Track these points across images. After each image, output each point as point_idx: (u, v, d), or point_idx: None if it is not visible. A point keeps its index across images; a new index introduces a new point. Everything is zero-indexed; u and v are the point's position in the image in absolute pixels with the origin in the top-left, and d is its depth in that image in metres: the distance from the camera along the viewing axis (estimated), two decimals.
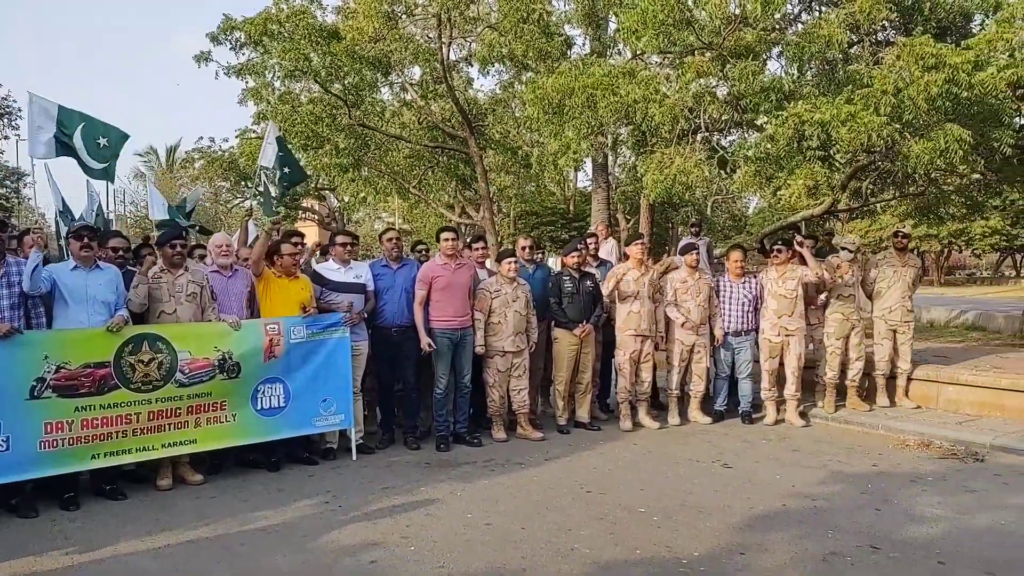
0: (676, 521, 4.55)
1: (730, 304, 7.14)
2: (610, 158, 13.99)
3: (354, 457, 6.03)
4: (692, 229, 9.36)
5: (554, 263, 10.92)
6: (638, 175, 9.30)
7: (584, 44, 12.32)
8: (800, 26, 9.72)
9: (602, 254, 8.29)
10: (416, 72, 14.46)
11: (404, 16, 12.84)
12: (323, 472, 5.73)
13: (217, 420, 5.40)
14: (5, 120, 23.55)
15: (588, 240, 7.63)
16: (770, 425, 7.04)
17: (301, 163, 17.62)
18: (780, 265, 7.04)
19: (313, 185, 24.78)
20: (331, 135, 12.84)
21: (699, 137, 8.79)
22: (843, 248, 7.21)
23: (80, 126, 6.66)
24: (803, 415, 7.16)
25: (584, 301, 6.84)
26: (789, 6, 8.81)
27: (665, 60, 9.57)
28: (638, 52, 9.06)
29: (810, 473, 5.55)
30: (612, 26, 11.59)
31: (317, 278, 6.22)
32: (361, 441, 6.21)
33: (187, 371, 5.21)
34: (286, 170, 6.92)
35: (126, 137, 7.11)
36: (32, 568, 3.93)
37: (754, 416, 7.23)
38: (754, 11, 7.29)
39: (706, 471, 5.64)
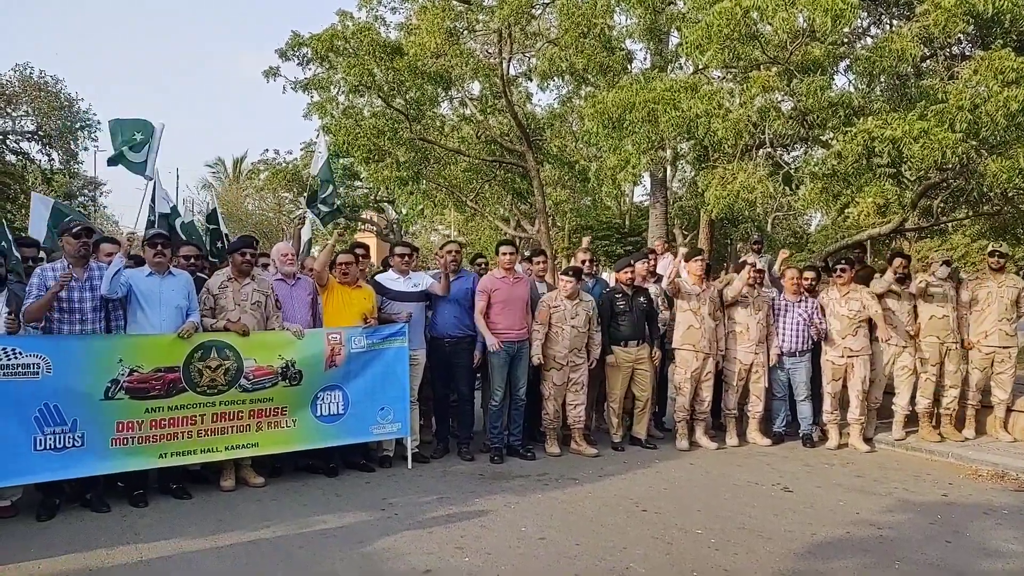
0: (734, 544, 4.45)
1: (785, 323, 6.96)
2: (669, 173, 13.86)
3: (409, 466, 6.09)
4: (754, 246, 9.18)
5: (607, 277, 10.86)
6: (699, 190, 9.17)
7: (645, 58, 12.28)
8: (869, 40, 9.50)
9: (660, 270, 8.20)
10: (475, 87, 14.65)
11: (465, 32, 13.02)
12: (379, 479, 5.80)
13: (278, 425, 5.53)
14: (85, 132, 24.66)
15: (649, 255, 7.56)
16: (832, 449, 6.83)
17: (362, 176, 18.07)
18: (843, 285, 6.84)
19: (372, 197, 25.31)
20: (392, 148, 13.09)
21: (761, 152, 8.65)
22: (937, 263, 6.91)
23: (121, 130, 6.90)
24: (867, 440, 6.92)
25: (638, 318, 6.77)
26: (858, 19, 8.59)
27: (728, 74, 9.45)
28: (701, 67, 8.96)
29: (875, 500, 5.35)
30: (674, 40, 11.55)
31: (377, 288, 6.33)
32: (416, 450, 6.27)
33: (251, 377, 5.36)
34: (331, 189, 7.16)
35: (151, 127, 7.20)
36: (104, 562, 4.08)
37: (816, 439, 7.03)
38: (823, 25, 7.13)
39: (765, 494, 5.50)
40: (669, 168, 13.22)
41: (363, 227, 28.67)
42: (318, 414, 5.69)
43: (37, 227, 6.84)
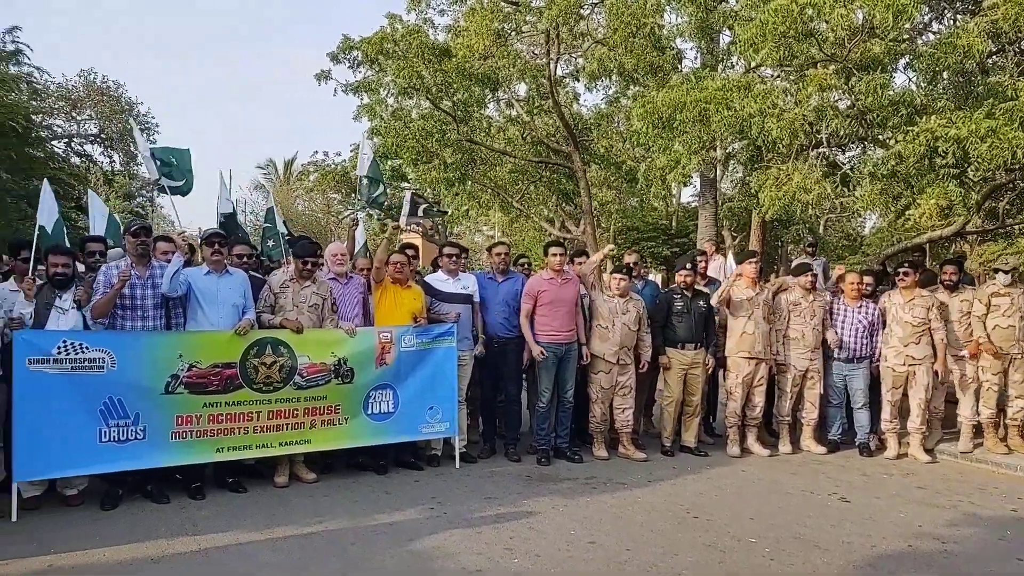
0: (789, 554, 4.34)
1: (844, 329, 6.78)
2: (719, 173, 13.66)
3: (457, 465, 6.11)
4: (808, 249, 8.97)
5: (653, 278, 10.74)
6: (751, 191, 9.00)
7: (695, 58, 12.13)
8: (931, 35, 9.22)
9: (711, 272, 8.08)
10: (522, 88, 14.68)
11: (513, 33, 13.06)
12: (428, 478, 5.83)
13: (330, 422, 5.60)
14: (145, 135, 25.46)
15: (699, 257, 7.44)
16: (891, 459, 6.62)
17: (410, 178, 18.26)
18: (906, 289, 6.63)
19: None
20: (439, 150, 13.20)
21: (816, 152, 8.45)
22: (997, 271, 6.67)
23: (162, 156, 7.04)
24: (929, 451, 6.70)
25: (695, 321, 6.66)
26: (920, 15, 8.33)
27: (781, 73, 9.26)
28: (754, 65, 8.80)
29: (939, 513, 5.17)
30: (724, 39, 11.38)
31: (426, 288, 6.36)
32: (464, 450, 6.28)
33: (305, 375, 5.44)
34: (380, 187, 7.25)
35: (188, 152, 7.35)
36: (164, 551, 4.19)
37: (873, 448, 6.83)
38: (884, 21, 6.93)
39: (821, 504, 5.35)
40: (720, 169, 13.02)
41: (408, 228, 28.90)
42: (369, 412, 5.75)
43: (99, 224, 7.07)
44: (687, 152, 8.41)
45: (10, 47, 16.35)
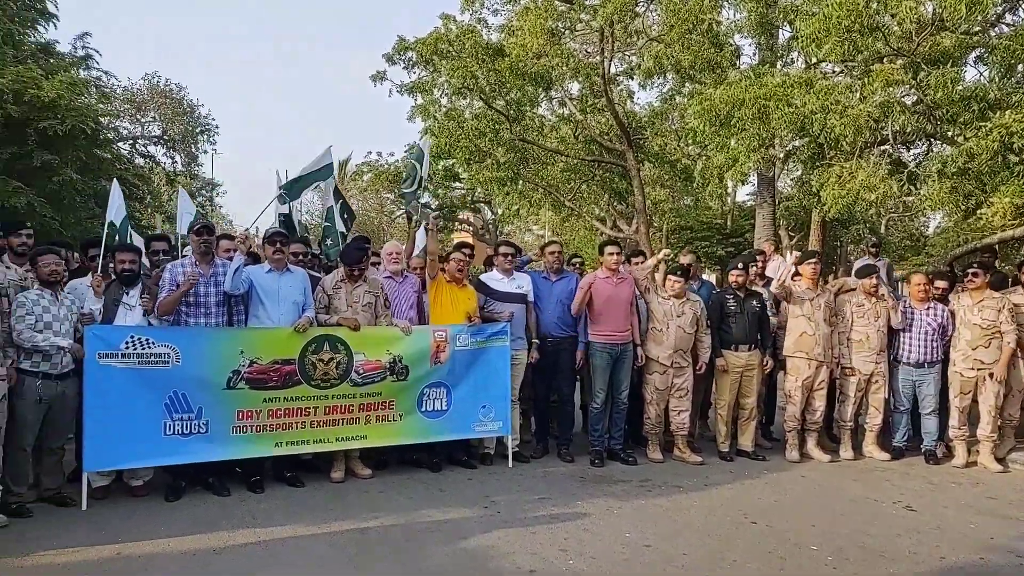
0: (853, 563, 4.21)
1: (912, 332, 6.54)
2: (778, 171, 13.36)
3: (510, 464, 6.11)
4: (871, 249, 8.68)
5: (707, 278, 10.56)
6: (812, 189, 8.77)
7: (754, 54, 11.89)
8: (1004, 28, 8.83)
9: (769, 272, 7.89)
10: (574, 87, 14.62)
11: (566, 32, 13.00)
12: (481, 476, 5.84)
13: (385, 419, 5.66)
14: (204, 136, 26.19)
15: (757, 256, 7.28)
16: (959, 467, 6.36)
17: (462, 177, 18.37)
18: (976, 291, 6.37)
19: (470, 198, 25.67)
20: (492, 149, 13.23)
21: (880, 150, 8.18)
22: None
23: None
24: (1000, 460, 6.42)
25: (749, 322, 6.52)
26: (993, 7, 7.98)
27: (844, 68, 9.00)
28: (815, 61, 8.57)
29: (1013, 526, 4.94)
30: (784, 35, 11.12)
31: (481, 287, 6.38)
32: (517, 449, 6.28)
33: (361, 371, 5.51)
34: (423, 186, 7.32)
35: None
36: (226, 542, 4.29)
37: (940, 456, 6.57)
38: (956, 13, 6.66)
39: (885, 512, 5.18)
40: (780, 167, 12.74)
41: (459, 227, 29.13)
42: (423, 409, 5.80)
43: (185, 221, 7.31)
44: (745, 150, 8.24)
45: (80, 52, 16.98)
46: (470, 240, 27.73)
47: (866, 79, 7.43)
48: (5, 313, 4.55)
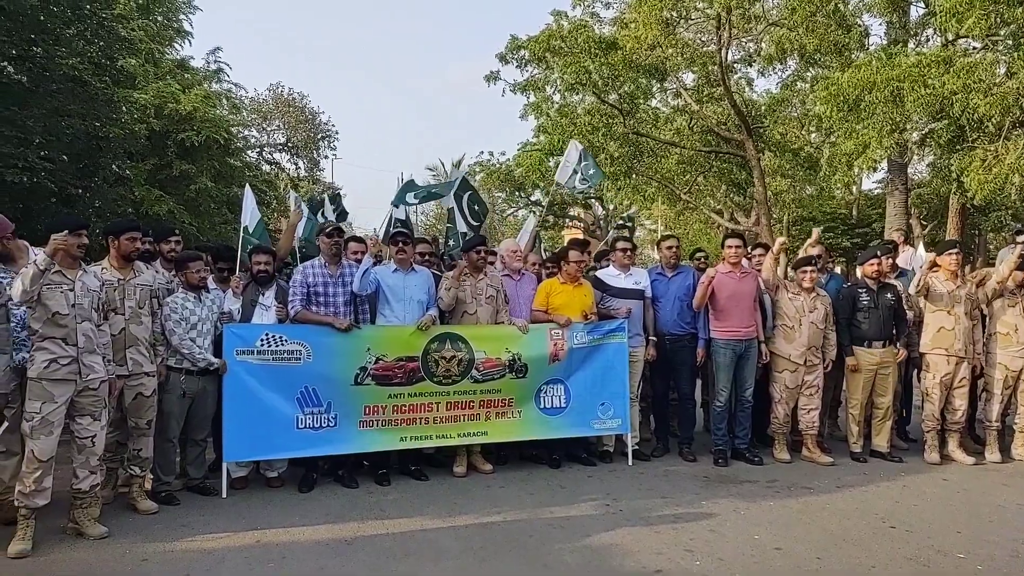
0: (1006, 574, 3.88)
1: None
2: (914, 157, 12.51)
3: (630, 462, 6.05)
4: (1019, 238, 7.95)
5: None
6: (951, 175, 8.15)
7: (883, 35, 11.17)
8: None
9: (900, 263, 7.41)
10: (689, 77, 14.27)
11: (681, 21, 12.70)
12: (601, 474, 5.81)
13: (505, 415, 5.74)
14: (325, 142, 27.47)
15: (890, 247, 6.85)
16: None
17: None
18: None
19: (580, 194, 25.58)
20: (606, 144, 13.12)
21: None
22: None
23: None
24: None
25: (884, 316, 6.15)
26: None
27: (987, 44, 8.29)
28: (954, 37, 7.95)
29: None
30: (915, 12, 10.38)
31: (598, 284, 6.34)
32: (636, 447, 6.21)
33: (481, 369, 5.61)
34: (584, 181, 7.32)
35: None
36: (356, 533, 4.48)
37: None
38: None
39: None
40: (916, 152, 11.92)
41: (570, 224, 29.10)
42: (542, 406, 5.84)
43: (307, 227, 7.64)
44: (877, 135, 7.75)
45: (213, 66, 18.21)
46: (581, 236, 27.67)
47: (1016, 54, 6.81)
48: (156, 314, 4.92)
